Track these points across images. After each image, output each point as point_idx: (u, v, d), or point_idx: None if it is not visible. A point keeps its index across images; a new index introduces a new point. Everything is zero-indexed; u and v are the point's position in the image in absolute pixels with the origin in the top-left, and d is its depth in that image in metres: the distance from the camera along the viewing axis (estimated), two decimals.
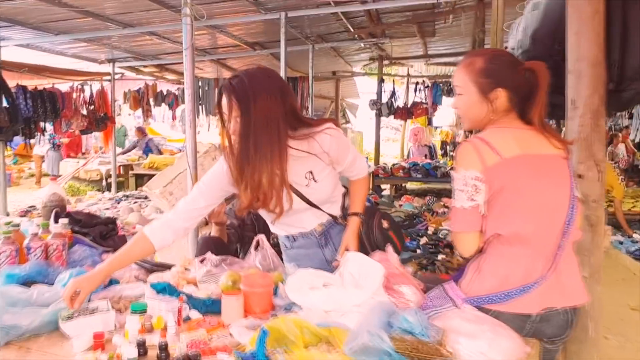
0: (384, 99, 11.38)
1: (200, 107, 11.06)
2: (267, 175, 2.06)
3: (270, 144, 2.02)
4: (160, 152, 12.57)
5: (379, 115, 11.45)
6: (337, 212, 2.41)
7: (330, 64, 12.34)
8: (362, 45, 10.54)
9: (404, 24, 9.15)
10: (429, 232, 6.93)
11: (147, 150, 12.53)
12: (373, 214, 2.43)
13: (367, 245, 2.34)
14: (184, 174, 5.23)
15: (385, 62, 12.15)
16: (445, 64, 13.93)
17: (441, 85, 11.31)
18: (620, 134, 13.09)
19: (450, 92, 11.02)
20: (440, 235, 6.59)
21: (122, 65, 11.04)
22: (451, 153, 15.56)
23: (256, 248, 2.45)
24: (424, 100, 11.40)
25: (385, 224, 2.41)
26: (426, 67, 14.46)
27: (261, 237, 2.48)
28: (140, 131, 13.31)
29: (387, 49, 11.56)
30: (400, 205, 9.10)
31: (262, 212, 2.33)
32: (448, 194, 10.87)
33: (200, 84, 11.18)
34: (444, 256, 5.72)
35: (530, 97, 1.89)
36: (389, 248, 2.04)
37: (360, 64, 13.09)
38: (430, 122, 13.98)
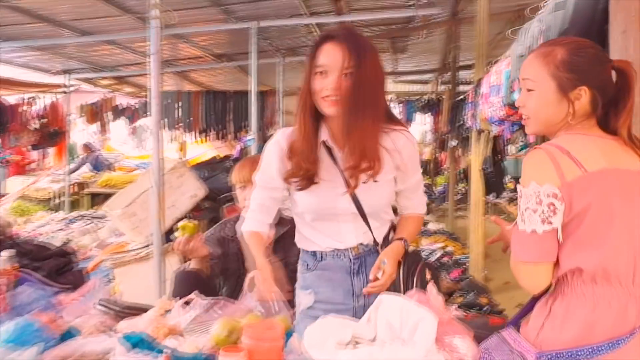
0: None
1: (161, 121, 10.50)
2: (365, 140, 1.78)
3: (375, 107, 1.78)
4: (110, 169, 11.87)
5: None
6: (380, 237, 1.99)
7: (299, 78, 11.92)
8: None
9: (376, 38, 8.86)
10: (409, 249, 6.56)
11: (96, 167, 11.82)
12: (416, 261, 2.00)
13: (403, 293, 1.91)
14: (148, 193, 4.72)
15: None
16: (412, 81, 13.77)
17: (414, 102, 11.08)
18: None
19: (424, 108, 10.82)
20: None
21: (78, 77, 10.40)
22: None
23: (252, 287, 2.00)
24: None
25: (427, 275, 1.98)
26: (394, 85, 14.27)
27: (256, 274, 2.03)
28: (87, 147, 12.58)
29: None
30: None
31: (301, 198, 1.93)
32: None
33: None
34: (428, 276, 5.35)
35: (617, 102, 1.51)
36: (432, 287, 1.62)
37: None
38: None
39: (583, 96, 1.51)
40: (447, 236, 7.45)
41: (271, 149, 1.96)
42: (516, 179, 10.49)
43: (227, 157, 6.40)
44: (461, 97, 7.84)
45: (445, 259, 6.17)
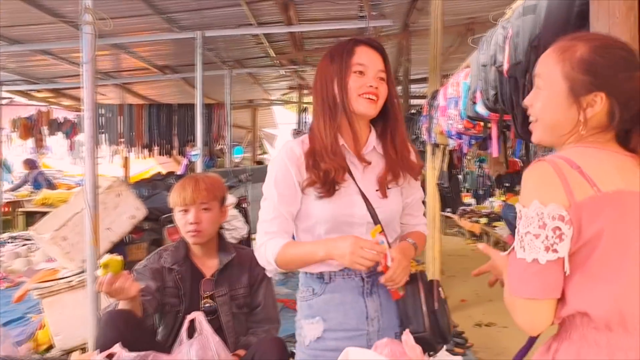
0: (307, 129, 10.82)
1: (102, 135, 9.96)
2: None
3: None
4: (52, 187, 11.19)
5: None
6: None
7: (247, 91, 11.67)
8: (283, 72, 9.96)
9: (326, 51, 8.66)
10: None
11: (37, 185, 11.13)
12: (430, 282, 1.81)
13: (425, 316, 1.74)
14: (81, 214, 4.30)
15: (305, 91, 11.63)
16: None
17: None
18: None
19: None
20: None
21: (10, 89, 9.77)
22: None
23: (191, 334, 1.68)
24: None
25: (442, 294, 1.81)
26: None
27: (198, 317, 1.72)
28: (28, 164, 11.85)
29: (307, 77, 11.06)
30: None
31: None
32: None
33: (102, 110, 10.08)
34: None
35: None
36: (408, 336, 1.35)
37: (279, 93, 12.51)
38: None
39: (598, 103, 1.25)
40: None
41: (286, 159, 1.76)
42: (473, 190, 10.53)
43: (170, 174, 6.02)
44: (414, 110, 7.71)
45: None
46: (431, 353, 1.71)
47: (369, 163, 1.76)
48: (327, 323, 1.76)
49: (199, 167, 6.54)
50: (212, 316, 2.33)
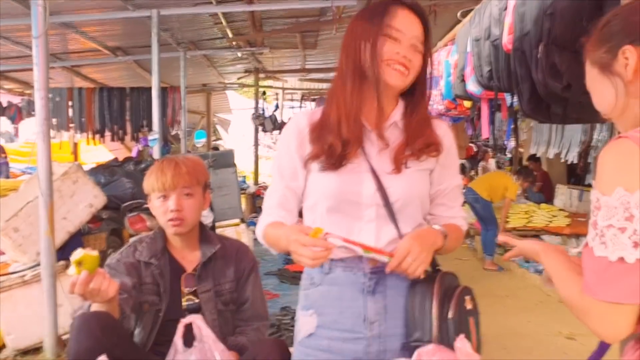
0: (267, 113, 10.53)
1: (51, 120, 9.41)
2: None
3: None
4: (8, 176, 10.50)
5: (263, 130, 10.55)
6: None
7: (201, 75, 11.26)
8: (239, 55, 9.63)
9: (286, 32, 8.40)
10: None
11: None
12: (454, 284, 1.55)
13: (435, 325, 1.47)
14: (34, 203, 3.97)
15: (262, 75, 11.32)
16: (320, 80, 13.44)
17: None
18: (489, 150, 13.39)
19: None
20: None
21: None
22: None
23: (188, 341, 1.42)
24: None
25: (468, 304, 1.52)
26: (300, 82, 13.89)
27: (196, 321, 1.47)
28: None
29: (264, 61, 10.76)
30: None
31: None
32: None
33: (50, 94, 9.50)
34: None
35: None
36: (464, 342, 1.14)
37: (234, 77, 12.13)
38: None
39: (630, 57, 1.11)
40: None
41: (289, 130, 1.65)
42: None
43: (128, 159, 5.67)
44: None
45: None
46: None
47: (387, 145, 1.56)
48: (321, 318, 1.56)
49: (156, 153, 6.21)
50: (195, 314, 2.09)
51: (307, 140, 1.58)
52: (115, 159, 5.43)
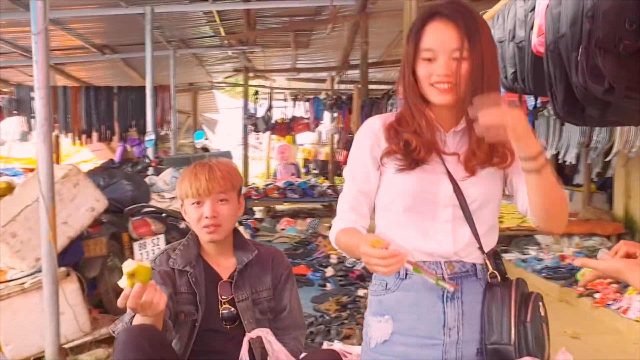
0: (259, 113, 10.41)
1: (34, 120, 9.17)
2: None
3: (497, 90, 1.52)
4: None
5: (255, 130, 10.43)
6: (481, 254, 1.56)
7: (188, 74, 11.10)
8: (230, 53, 9.51)
9: (280, 31, 8.31)
10: (332, 260, 6.07)
11: None
12: (528, 292, 1.56)
13: (513, 329, 1.48)
14: (33, 207, 3.82)
15: (251, 74, 11.21)
16: (308, 79, 13.37)
17: (323, 99, 10.62)
18: None
19: (332, 106, 10.40)
20: (347, 264, 5.76)
21: None
22: (314, 171, 14.99)
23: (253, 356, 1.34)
24: (304, 115, 10.63)
25: (542, 310, 1.54)
26: (288, 82, 13.79)
27: (265, 335, 1.39)
28: None
29: (254, 60, 10.66)
30: (283, 230, 8.18)
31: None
32: (321, 213, 10.19)
33: (31, 94, 9.28)
34: (365, 291, 4.89)
35: None
36: (567, 355, 1.10)
37: (222, 76, 11.99)
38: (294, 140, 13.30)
39: None
40: None
41: (363, 133, 1.65)
42: None
43: (127, 161, 5.54)
44: (378, 95, 7.50)
45: None
46: None
47: (457, 149, 1.56)
48: (397, 324, 1.55)
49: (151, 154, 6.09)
50: (233, 324, 2.01)
51: (382, 140, 1.58)
52: (111, 160, 5.32)
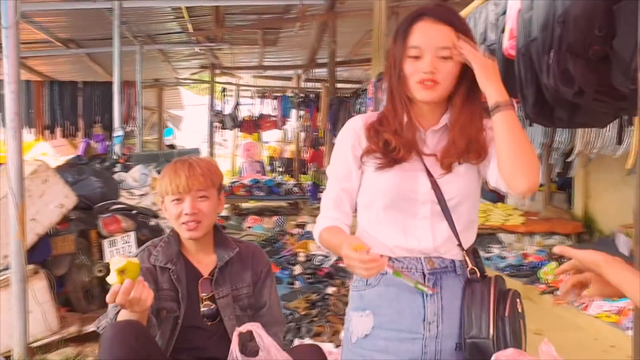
0: (226, 110, 10.35)
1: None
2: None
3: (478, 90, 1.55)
4: None
5: (223, 127, 10.36)
6: (460, 250, 1.60)
7: (154, 70, 10.95)
8: (197, 50, 9.44)
9: (248, 28, 8.29)
10: (300, 258, 6.10)
11: None
12: (506, 289, 1.61)
13: (491, 323, 1.53)
14: (1, 203, 3.75)
15: (217, 71, 11.13)
16: (274, 77, 13.36)
17: (291, 97, 10.62)
18: None
19: (300, 104, 10.42)
20: (315, 262, 5.80)
21: None
22: (279, 169, 14.99)
23: (245, 351, 1.36)
24: (272, 113, 10.61)
25: (519, 307, 1.61)
26: (254, 80, 13.75)
27: (255, 329, 1.41)
28: None
29: (221, 57, 10.60)
30: (249, 228, 8.17)
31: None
32: (287, 211, 10.21)
33: None
34: (334, 288, 4.93)
35: None
36: (549, 347, 1.16)
37: (188, 72, 11.88)
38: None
39: None
40: None
41: (345, 132, 1.67)
42: None
43: (96, 157, 5.45)
44: (346, 94, 7.56)
45: (341, 264, 5.79)
46: None
47: (435, 147, 1.60)
48: (378, 319, 1.57)
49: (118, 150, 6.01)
50: (213, 321, 2.03)
51: (362, 139, 1.61)
52: (78, 157, 5.23)
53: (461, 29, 1.54)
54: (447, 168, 1.57)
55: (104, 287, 4.68)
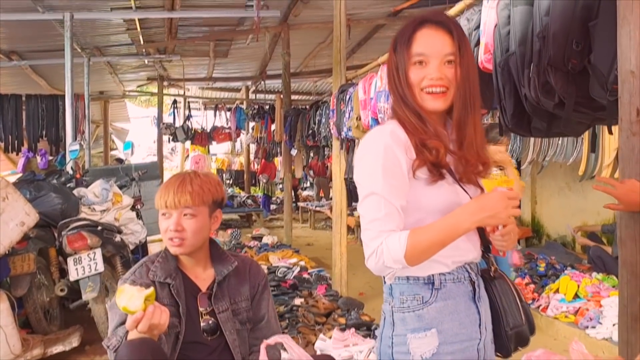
0: (178, 123, 10.18)
1: None
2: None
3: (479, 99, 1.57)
4: None
5: (174, 140, 10.18)
6: (483, 253, 1.66)
7: (99, 82, 10.65)
8: (146, 62, 9.27)
9: (201, 40, 8.22)
10: None
11: None
12: (513, 283, 1.69)
13: (522, 311, 1.64)
14: None
15: (165, 83, 10.96)
16: (222, 89, 13.27)
17: (246, 109, 10.54)
18: None
19: (255, 116, 10.36)
20: (279, 274, 5.78)
21: None
22: (228, 181, 14.86)
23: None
24: (225, 125, 10.50)
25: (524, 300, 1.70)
26: (201, 91, 13.61)
27: (286, 341, 1.40)
28: None
29: (170, 68, 10.44)
30: None
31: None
32: (239, 224, 10.14)
33: None
34: (302, 300, 4.93)
35: None
36: (580, 345, 1.21)
37: (135, 84, 11.63)
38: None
39: None
40: (292, 250, 7.11)
41: (392, 144, 1.50)
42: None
43: (53, 172, 5.23)
44: (305, 106, 7.58)
45: (304, 275, 5.80)
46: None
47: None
48: (442, 335, 1.53)
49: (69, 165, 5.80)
50: (213, 335, 2.01)
51: (411, 150, 1.51)
52: (32, 172, 5.00)
53: (463, 35, 1.55)
54: (470, 178, 1.58)
55: (65, 307, 4.52)
